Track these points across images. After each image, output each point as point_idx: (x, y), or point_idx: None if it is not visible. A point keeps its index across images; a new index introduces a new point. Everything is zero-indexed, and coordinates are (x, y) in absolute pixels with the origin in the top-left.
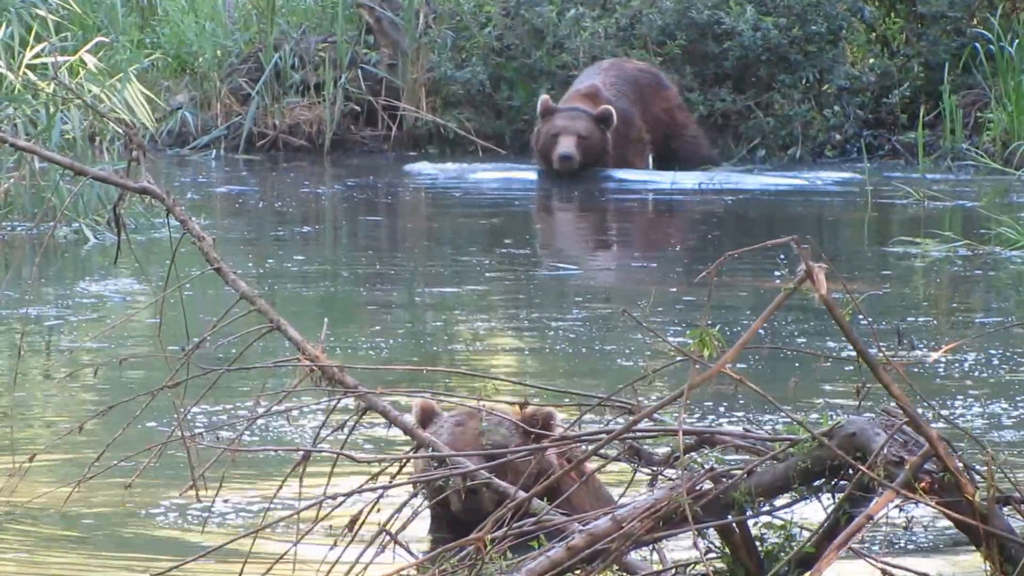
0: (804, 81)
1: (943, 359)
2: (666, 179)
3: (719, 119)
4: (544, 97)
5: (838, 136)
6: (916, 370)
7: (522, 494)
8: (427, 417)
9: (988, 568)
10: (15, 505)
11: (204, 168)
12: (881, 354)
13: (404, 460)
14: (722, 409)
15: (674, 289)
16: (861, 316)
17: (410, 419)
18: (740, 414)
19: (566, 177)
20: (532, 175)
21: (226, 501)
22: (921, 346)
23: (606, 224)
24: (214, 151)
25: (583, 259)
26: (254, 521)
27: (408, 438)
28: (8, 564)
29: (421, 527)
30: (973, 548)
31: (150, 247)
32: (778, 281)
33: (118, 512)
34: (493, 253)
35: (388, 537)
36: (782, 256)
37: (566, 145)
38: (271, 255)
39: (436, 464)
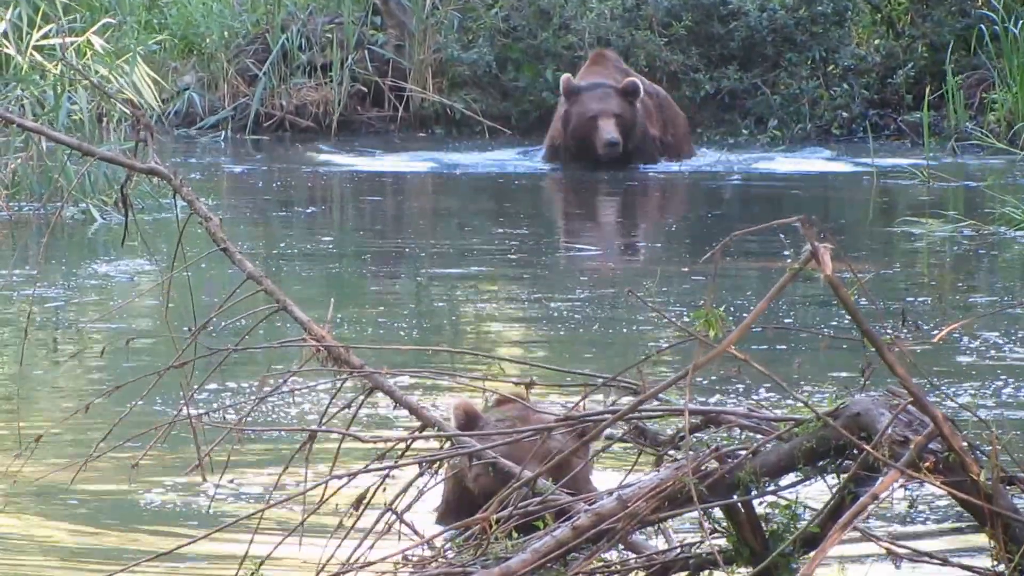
0: (810, 61)
1: (948, 339)
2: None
3: (726, 97)
4: (566, 75)
5: (845, 114)
6: (921, 350)
7: (528, 473)
8: (470, 420)
9: (993, 547)
10: (22, 484)
11: (211, 149)
12: (886, 334)
13: (410, 440)
14: (728, 389)
15: (684, 269)
16: (866, 297)
17: (415, 399)
18: (745, 394)
19: (604, 163)
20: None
21: (232, 481)
22: (926, 326)
23: (615, 205)
24: (222, 132)
25: (593, 240)
26: (260, 501)
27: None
28: (14, 543)
29: (427, 508)
30: (978, 527)
31: (157, 227)
32: (789, 260)
33: (124, 492)
34: (497, 233)
35: (394, 516)
36: (781, 234)
37: (609, 129)
38: (277, 235)
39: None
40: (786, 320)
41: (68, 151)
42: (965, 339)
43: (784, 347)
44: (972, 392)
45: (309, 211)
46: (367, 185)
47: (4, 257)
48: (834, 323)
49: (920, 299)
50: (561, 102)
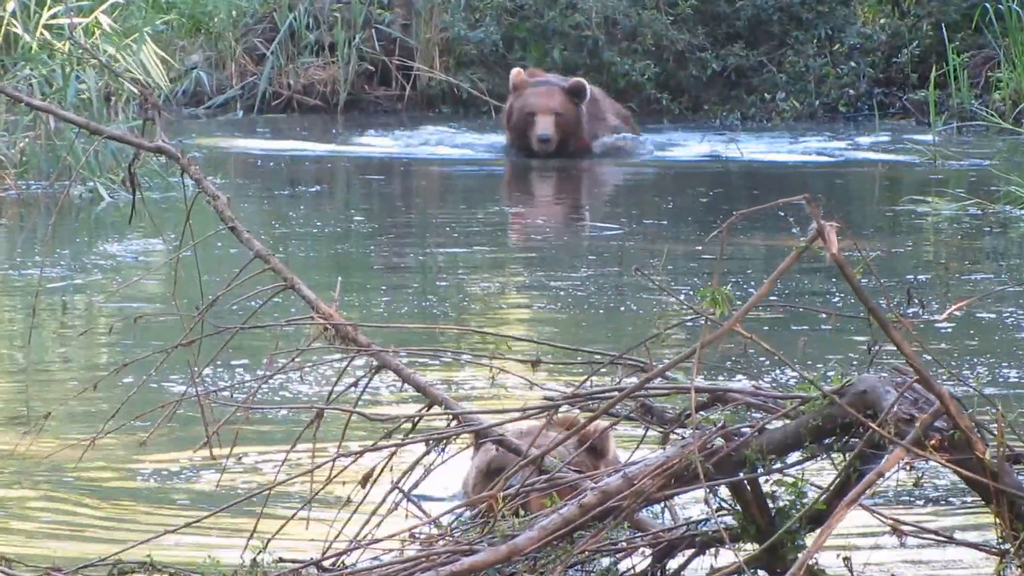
0: (816, 40)
1: (953, 317)
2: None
3: (732, 75)
4: (516, 70)
5: (852, 92)
6: (926, 328)
7: (535, 451)
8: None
9: (998, 525)
10: (30, 462)
11: (218, 127)
12: (892, 312)
13: (417, 418)
14: (734, 367)
15: (691, 248)
16: (872, 276)
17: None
18: (751, 373)
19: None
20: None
21: (240, 459)
22: (931, 305)
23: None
24: (235, 111)
25: (601, 219)
26: (268, 479)
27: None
28: (22, 520)
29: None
30: (983, 505)
31: (166, 206)
32: (801, 240)
33: (132, 469)
34: (500, 213)
35: (400, 494)
36: (782, 212)
37: (544, 125)
38: (285, 214)
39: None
40: (794, 300)
41: (76, 130)
42: (971, 317)
43: (790, 326)
44: (978, 370)
45: (313, 190)
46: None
47: (13, 236)
48: (841, 301)
49: (925, 278)
50: (509, 96)
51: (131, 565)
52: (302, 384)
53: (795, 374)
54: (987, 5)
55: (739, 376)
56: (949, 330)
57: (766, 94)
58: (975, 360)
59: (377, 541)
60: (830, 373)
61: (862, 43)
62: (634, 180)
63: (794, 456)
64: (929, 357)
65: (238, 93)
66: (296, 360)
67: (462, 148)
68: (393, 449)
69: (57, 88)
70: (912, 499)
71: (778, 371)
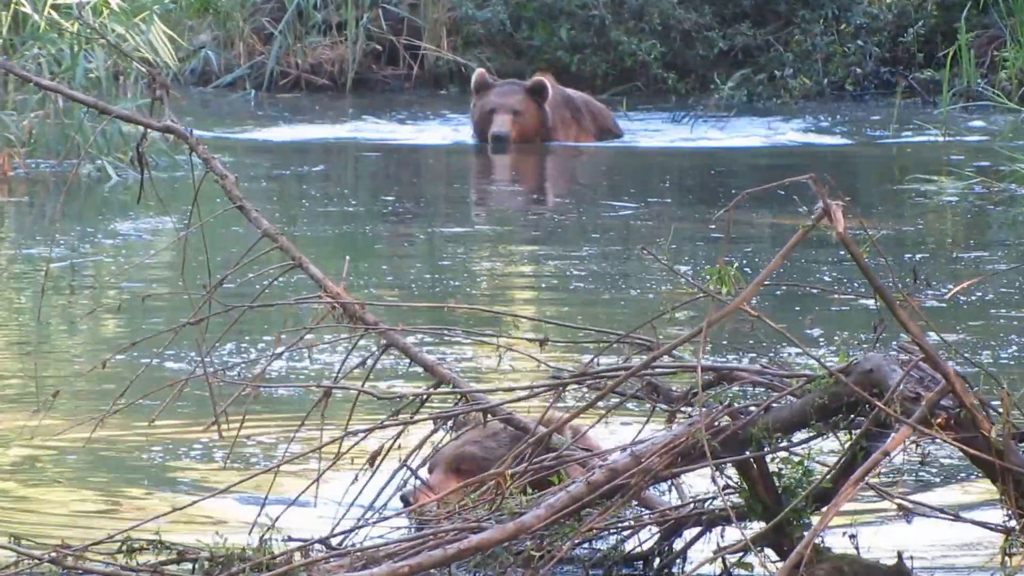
0: (822, 19)
1: (959, 296)
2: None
3: (739, 54)
4: (480, 71)
5: (858, 71)
6: (932, 307)
7: (543, 429)
8: None
9: (1004, 503)
10: (38, 441)
11: (227, 107)
12: (898, 291)
13: (425, 396)
14: (741, 346)
15: (696, 227)
16: (878, 255)
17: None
18: (758, 351)
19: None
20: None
21: (248, 438)
22: (937, 284)
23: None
24: (248, 91)
25: (604, 198)
26: (276, 457)
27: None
28: (30, 499)
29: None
30: (989, 483)
31: (177, 185)
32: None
33: (141, 448)
34: (505, 192)
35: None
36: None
37: (500, 123)
38: (293, 193)
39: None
40: (800, 279)
41: (85, 109)
42: (977, 296)
43: (796, 305)
44: (983, 348)
45: (317, 169)
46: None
47: (22, 214)
48: (848, 280)
49: (932, 256)
50: (472, 96)
51: (139, 543)
52: (310, 363)
53: (801, 353)
54: None
55: (746, 355)
56: (955, 308)
57: (776, 71)
58: (981, 338)
59: (385, 519)
60: (836, 352)
61: (868, 22)
62: (639, 162)
63: (800, 435)
64: (935, 335)
65: (246, 72)
66: (304, 339)
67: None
68: (401, 427)
69: (66, 67)
70: (918, 477)
71: (785, 349)
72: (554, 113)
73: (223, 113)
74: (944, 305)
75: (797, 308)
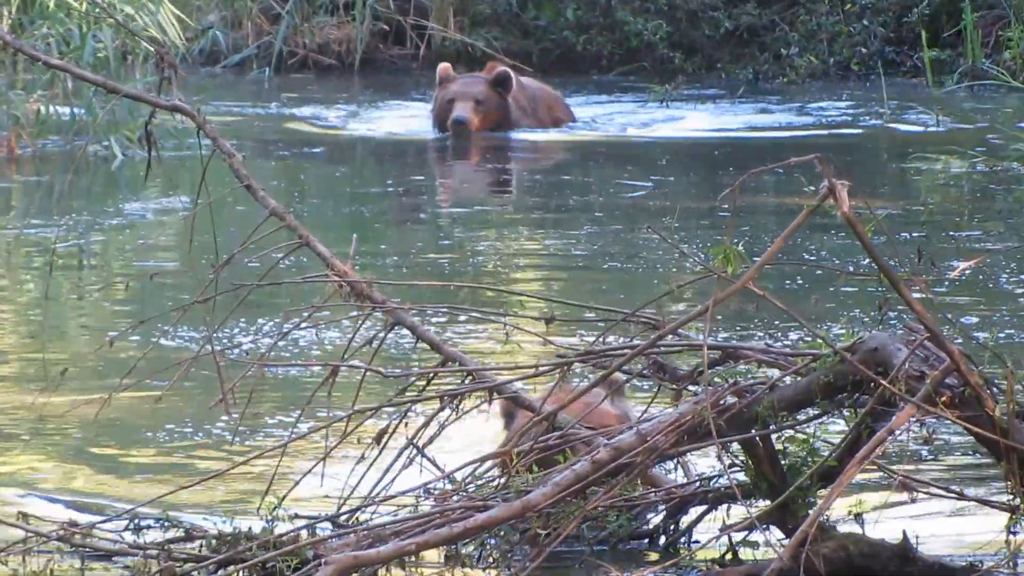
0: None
1: (963, 275)
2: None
3: (744, 34)
4: (444, 65)
5: (863, 50)
6: (937, 286)
7: (549, 408)
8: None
9: (1009, 481)
10: (46, 418)
11: (234, 86)
12: (902, 270)
13: (431, 374)
14: (746, 324)
15: (703, 207)
16: (883, 234)
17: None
18: (763, 330)
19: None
20: None
21: (256, 415)
22: (942, 263)
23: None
24: (266, 70)
25: (609, 179)
26: (283, 436)
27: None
28: (38, 477)
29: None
30: (994, 462)
31: (189, 164)
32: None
33: (148, 426)
34: (512, 171)
35: (415, 451)
36: (779, 171)
37: (460, 109)
38: (301, 173)
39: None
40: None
41: (94, 89)
42: (981, 275)
43: (802, 284)
44: (987, 327)
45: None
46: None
47: (30, 193)
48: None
49: (935, 236)
50: (436, 89)
51: (146, 520)
52: (317, 342)
53: (807, 331)
54: None
55: (751, 333)
56: (959, 287)
57: (782, 49)
58: (985, 317)
59: (391, 497)
60: (841, 330)
61: (873, 2)
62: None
63: (806, 413)
64: (939, 314)
65: (254, 52)
66: (312, 317)
67: None
68: (408, 405)
69: (74, 47)
70: (923, 456)
71: (790, 328)
72: (516, 105)
73: (229, 91)
74: (947, 284)
75: (803, 286)
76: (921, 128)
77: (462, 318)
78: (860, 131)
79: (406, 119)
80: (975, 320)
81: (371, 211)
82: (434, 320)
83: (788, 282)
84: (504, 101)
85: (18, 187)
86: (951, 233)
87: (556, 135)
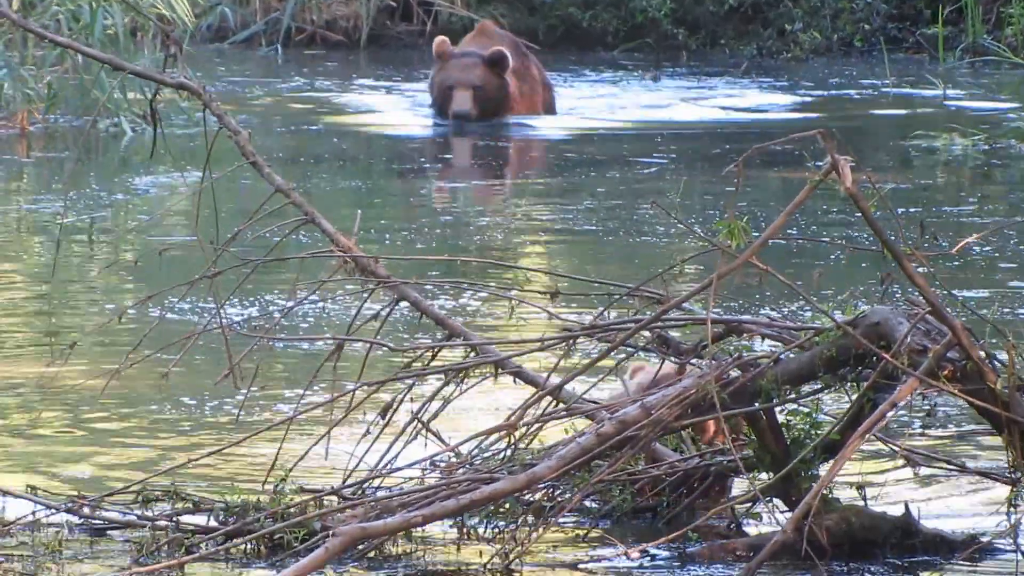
0: None
1: (966, 250)
2: None
3: (748, 10)
4: (440, 39)
5: (866, 27)
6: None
7: (554, 381)
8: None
9: (1009, 453)
10: (55, 392)
11: (242, 62)
12: (905, 245)
13: (436, 349)
14: (750, 299)
15: (708, 182)
16: (886, 209)
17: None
18: (767, 304)
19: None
20: None
21: (263, 388)
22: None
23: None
24: (272, 46)
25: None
26: (289, 409)
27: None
28: (48, 450)
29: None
30: (995, 435)
31: (196, 142)
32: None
33: (155, 400)
34: (517, 148)
35: (420, 425)
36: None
37: (460, 101)
38: (306, 151)
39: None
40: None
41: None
42: (982, 250)
43: (805, 258)
44: (989, 301)
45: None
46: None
47: (40, 169)
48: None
49: (937, 211)
50: (433, 65)
51: (154, 493)
52: (327, 317)
53: (810, 306)
54: None
55: (755, 308)
56: (961, 262)
57: (786, 25)
58: (986, 291)
59: (397, 470)
60: (844, 305)
61: None
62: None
63: (809, 387)
64: (941, 289)
65: (262, 28)
66: (317, 292)
67: None
68: (413, 380)
69: (84, 24)
70: (925, 429)
71: (794, 302)
72: (514, 84)
73: (236, 67)
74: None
75: (806, 261)
76: (922, 104)
77: (468, 293)
78: (862, 108)
79: (411, 96)
80: (976, 294)
81: (372, 188)
82: (439, 294)
83: (792, 257)
84: (503, 81)
85: (29, 163)
86: (953, 208)
87: (561, 120)
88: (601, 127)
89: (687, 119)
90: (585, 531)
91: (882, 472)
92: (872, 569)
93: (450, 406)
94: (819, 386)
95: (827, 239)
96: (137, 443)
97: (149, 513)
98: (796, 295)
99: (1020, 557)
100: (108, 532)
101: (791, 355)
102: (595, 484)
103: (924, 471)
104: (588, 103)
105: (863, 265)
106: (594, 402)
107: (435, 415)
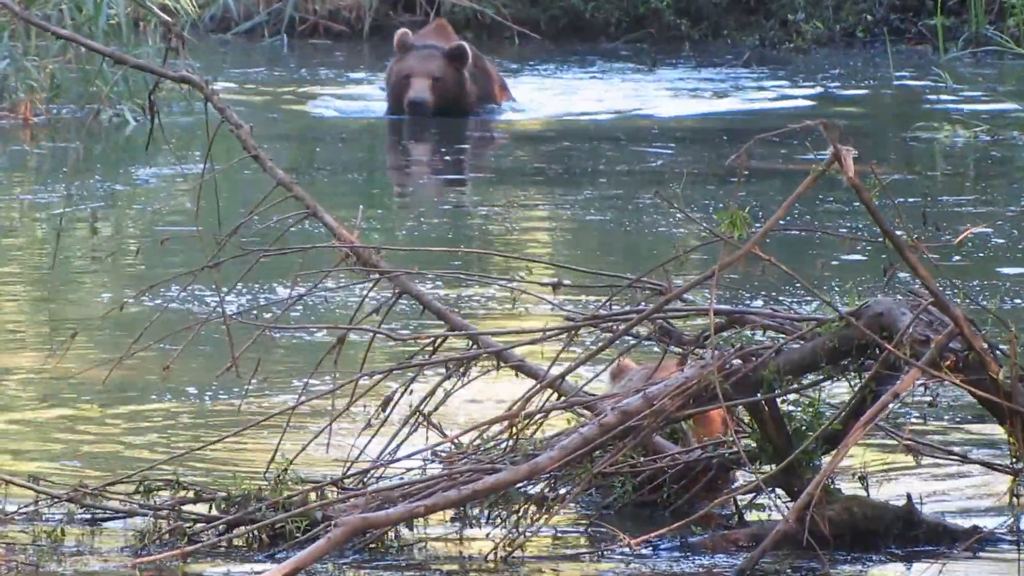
0: None
1: (968, 240)
2: None
3: (751, 0)
4: (401, 31)
5: (869, 17)
6: (939, 251)
7: (556, 372)
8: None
9: (1012, 444)
10: (56, 382)
11: (246, 53)
12: (907, 236)
13: (440, 340)
14: (752, 290)
15: (710, 172)
16: (888, 199)
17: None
18: (769, 295)
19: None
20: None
21: (264, 379)
22: (945, 231)
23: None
24: (266, 38)
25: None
26: (291, 400)
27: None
28: (49, 439)
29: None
30: (997, 425)
31: (199, 132)
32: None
33: (157, 390)
34: (520, 141)
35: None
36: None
37: (418, 88)
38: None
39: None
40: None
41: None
42: (984, 241)
43: (808, 249)
44: (991, 292)
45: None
46: None
47: (43, 159)
48: (858, 225)
49: (939, 202)
50: (393, 57)
51: (156, 483)
52: (330, 309)
53: (814, 296)
54: None
55: (757, 299)
56: (963, 252)
57: (788, 16)
58: (988, 282)
59: (397, 460)
60: (847, 295)
61: None
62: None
63: (811, 377)
64: (944, 279)
65: (264, 19)
66: (320, 283)
67: None
68: (414, 371)
69: (87, 15)
70: (927, 419)
71: (796, 293)
72: (471, 80)
73: (240, 59)
74: (952, 249)
75: (809, 251)
76: (925, 95)
77: (470, 284)
78: (864, 98)
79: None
80: (979, 285)
81: (369, 180)
82: (441, 285)
83: (794, 247)
84: (460, 76)
85: (32, 153)
86: (956, 199)
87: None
88: (598, 117)
89: (686, 112)
90: (587, 522)
91: (884, 462)
92: (874, 559)
93: (452, 398)
94: (821, 377)
95: (830, 230)
96: (138, 433)
97: (151, 502)
98: (795, 287)
99: (1021, 547)
100: (110, 522)
101: (793, 346)
102: (597, 475)
103: (926, 461)
104: (583, 93)
105: (865, 256)
106: (592, 395)
107: (436, 407)
